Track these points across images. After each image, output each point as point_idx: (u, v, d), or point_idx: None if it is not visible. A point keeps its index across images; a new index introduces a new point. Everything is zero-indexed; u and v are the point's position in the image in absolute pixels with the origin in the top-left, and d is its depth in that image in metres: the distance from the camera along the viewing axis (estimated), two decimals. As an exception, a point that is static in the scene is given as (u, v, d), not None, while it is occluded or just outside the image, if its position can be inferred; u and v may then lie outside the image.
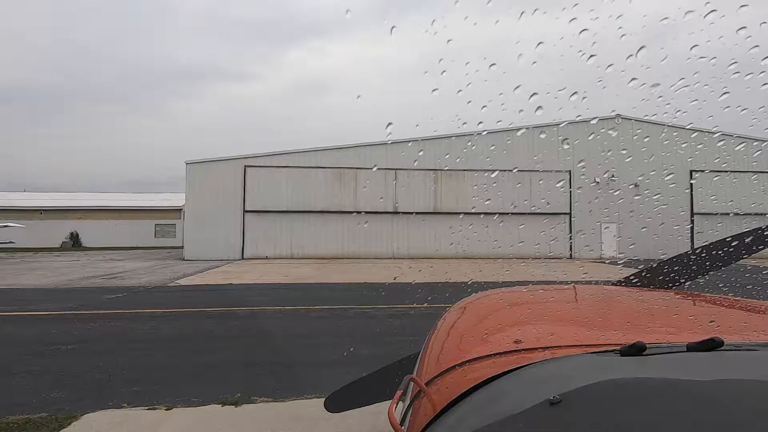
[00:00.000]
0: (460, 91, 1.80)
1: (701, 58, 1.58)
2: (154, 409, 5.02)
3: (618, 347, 1.06)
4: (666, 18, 1.61)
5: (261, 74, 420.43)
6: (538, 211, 30.24)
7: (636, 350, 1.01)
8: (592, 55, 1.64)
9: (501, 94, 1.74)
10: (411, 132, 24.41)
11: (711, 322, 1.56)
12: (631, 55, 1.58)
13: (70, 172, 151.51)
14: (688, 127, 19.37)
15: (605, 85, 1.75)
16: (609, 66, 1.65)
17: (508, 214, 27.81)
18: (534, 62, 1.71)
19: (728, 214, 28.45)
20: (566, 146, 27.38)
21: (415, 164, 29.77)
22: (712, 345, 1.00)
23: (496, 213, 27.84)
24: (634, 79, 1.68)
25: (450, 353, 1.52)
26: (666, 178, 28.33)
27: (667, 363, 0.98)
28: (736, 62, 1.58)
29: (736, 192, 28.20)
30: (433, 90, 1.81)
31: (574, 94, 1.74)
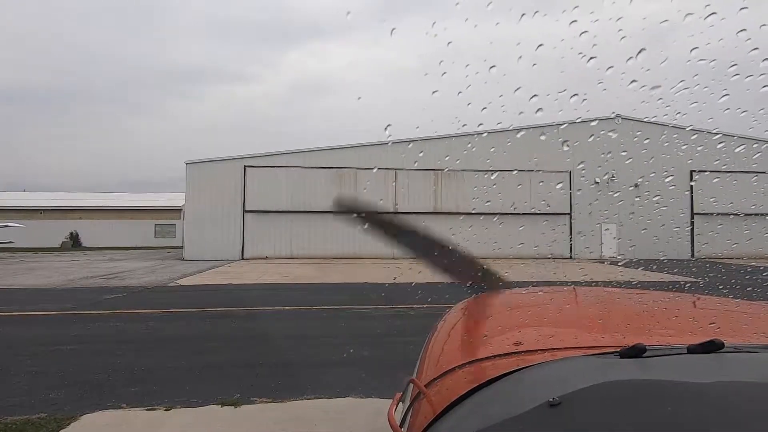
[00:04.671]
0: (460, 93, 1.80)
1: (701, 60, 1.59)
2: (153, 409, 5.02)
3: (618, 349, 1.06)
4: (666, 20, 1.62)
5: (261, 75, 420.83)
6: (539, 211, 30.25)
7: (636, 352, 1.01)
8: (592, 57, 1.64)
9: (501, 95, 1.74)
10: (411, 133, 24.41)
11: (711, 323, 1.56)
12: (631, 57, 1.58)
13: (70, 172, 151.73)
14: (688, 128, 19.34)
15: (605, 87, 1.76)
16: (609, 68, 1.65)
17: (508, 214, 27.81)
18: (534, 64, 1.72)
19: (728, 215, 28.47)
20: (566, 148, 27.34)
21: (415, 165, 29.74)
22: (712, 347, 1.00)
23: (496, 214, 27.79)
24: (634, 81, 1.69)
25: (450, 355, 1.52)
26: (666, 180, 28.34)
27: (667, 365, 0.98)
28: (736, 64, 1.58)
29: (737, 193, 28.17)
30: (434, 92, 1.81)
31: (574, 95, 1.74)
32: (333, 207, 2.23)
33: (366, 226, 2.17)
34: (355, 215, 2.14)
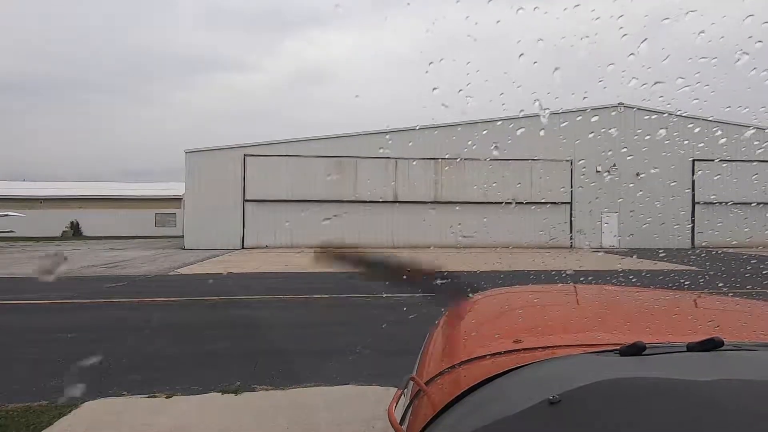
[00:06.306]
0: (460, 90, 1.80)
1: (702, 58, 1.57)
2: (154, 397, 5.05)
3: (618, 347, 1.07)
4: (667, 18, 1.60)
5: (261, 64, 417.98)
6: (540, 200, 30.17)
7: (636, 350, 1.01)
8: (592, 53, 1.63)
9: (502, 94, 1.74)
10: (412, 122, 24.36)
11: (710, 322, 1.57)
12: (632, 54, 1.57)
13: (70, 161, 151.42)
14: (690, 126, 19.30)
15: (606, 84, 1.75)
16: (610, 65, 1.64)
17: (509, 203, 27.77)
18: (535, 62, 1.70)
19: (728, 203, 28.42)
20: (564, 139, 27.15)
21: (414, 164, 29.64)
22: (712, 345, 1.00)
23: (495, 203, 27.73)
24: (634, 78, 1.67)
25: (450, 353, 1.53)
26: (667, 169, 28.24)
27: (667, 363, 0.99)
28: (737, 61, 1.56)
29: (739, 181, 28.09)
30: (434, 89, 1.80)
31: (573, 93, 1.74)
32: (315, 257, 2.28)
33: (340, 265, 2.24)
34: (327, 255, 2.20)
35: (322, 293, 12.20)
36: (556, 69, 1.72)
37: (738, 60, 1.51)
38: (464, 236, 28.36)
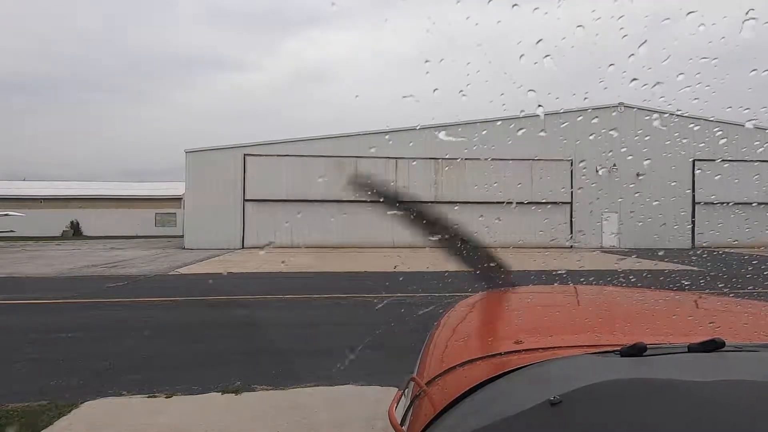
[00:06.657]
0: (461, 91, 1.79)
1: (703, 58, 1.57)
2: (154, 397, 5.05)
3: (618, 348, 1.07)
4: (668, 18, 1.59)
5: (261, 64, 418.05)
6: (540, 200, 30.15)
7: (636, 351, 1.01)
8: (593, 54, 1.63)
9: (502, 94, 1.73)
10: (412, 122, 24.34)
11: (711, 322, 1.57)
12: (632, 54, 1.57)
13: (70, 161, 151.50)
14: (690, 126, 19.27)
15: (606, 85, 1.74)
16: (610, 65, 1.63)
17: (509, 203, 27.74)
18: (535, 63, 1.70)
19: (729, 203, 28.40)
20: (564, 139, 27.15)
21: (414, 164, 29.60)
22: (713, 346, 1.00)
23: (495, 203, 27.71)
24: (635, 79, 1.67)
25: (451, 353, 1.53)
26: (668, 169, 28.21)
27: (668, 364, 0.99)
28: (738, 62, 1.56)
29: (739, 181, 28.09)
30: (435, 90, 1.79)
31: (574, 94, 1.74)
32: (352, 187, 2.16)
33: (395, 212, 2.17)
34: (382, 200, 2.14)
35: (321, 293, 12.21)
36: (546, 56, 1.70)
37: (738, 60, 1.50)
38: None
